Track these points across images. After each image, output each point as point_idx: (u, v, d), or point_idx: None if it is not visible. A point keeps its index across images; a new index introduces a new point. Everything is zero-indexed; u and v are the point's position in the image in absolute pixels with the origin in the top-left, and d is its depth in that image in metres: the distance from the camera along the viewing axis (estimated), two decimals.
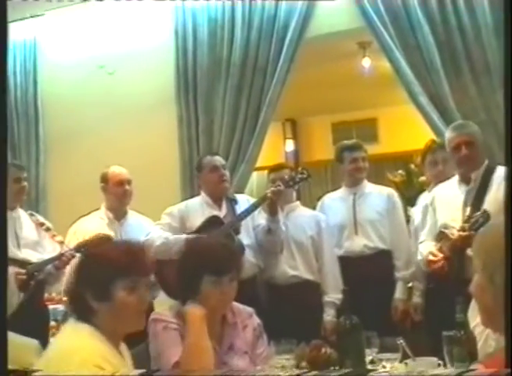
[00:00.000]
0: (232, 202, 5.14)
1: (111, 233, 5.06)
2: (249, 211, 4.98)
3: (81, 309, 2.58)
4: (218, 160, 5.22)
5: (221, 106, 6.31)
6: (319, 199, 5.58)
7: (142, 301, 2.62)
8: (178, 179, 6.38)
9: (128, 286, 2.58)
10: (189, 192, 6.17)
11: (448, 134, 4.54)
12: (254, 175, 7.76)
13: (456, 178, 4.50)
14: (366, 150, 5.34)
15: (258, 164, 6.44)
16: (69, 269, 4.88)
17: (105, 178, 5.35)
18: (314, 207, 5.53)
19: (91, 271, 2.61)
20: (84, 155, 6.67)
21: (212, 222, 4.93)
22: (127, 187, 5.30)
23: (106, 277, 2.56)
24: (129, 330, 2.67)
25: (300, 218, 5.20)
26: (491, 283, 1.85)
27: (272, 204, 4.91)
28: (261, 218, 5.10)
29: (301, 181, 5.02)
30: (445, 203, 4.43)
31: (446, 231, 4.27)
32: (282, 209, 5.12)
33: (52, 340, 2.64)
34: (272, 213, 4.94)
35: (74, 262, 4.79)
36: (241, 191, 6.08)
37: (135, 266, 2.62)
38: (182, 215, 5.09)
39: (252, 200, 5.21)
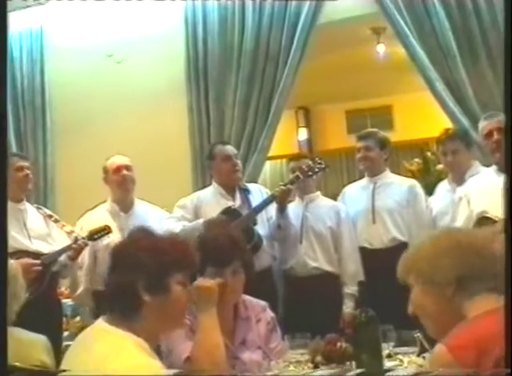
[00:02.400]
0: (245, 192, 5.14)
1: (117, 226, 5.04)
2: (265, 204, 4.98)
3: (128, 301, 2.37)
4: (231, 149, 5.25)
5: (233, 95, 6.24)
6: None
7: (189, 298, 2.51)
8: (189, 169, 6.34)
9: (181, 280, 2.44)
10: (200, 182, 6.14)
11: (480, 124, 4.61)
12: (267, 164, 7.70)
13: (493, 167, 4.50)
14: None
15: (271, 153, 6.40)
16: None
17: (105, 170, 5.31)
18: (330, 197, 5.46)
19: (145, 260, 2.40)
20: (91, 145, 6.66)
21: (229, 213, 4.89)
22: (124, 172, 5.21)
23: (162, 269, 2.40)
24: (170, 330, 2.58)
25: (319, 208, 5.17)
26: (442, 295, 2.07)
27: (280, 201, 4.91)
28: (273, 209, 5.06)
29: (319, 171, 5.03)
30: (482, 192, 4.39)
31: (490, 215, 4.18)
32: (302, 199, 5.17)
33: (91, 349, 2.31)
34: (281, 210, 4.94)
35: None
36: (254, 181, 6.03)
37: (187, 260, 2.50)
38: (194, 206, 5.08)
39: (264, 190, 5.27)
